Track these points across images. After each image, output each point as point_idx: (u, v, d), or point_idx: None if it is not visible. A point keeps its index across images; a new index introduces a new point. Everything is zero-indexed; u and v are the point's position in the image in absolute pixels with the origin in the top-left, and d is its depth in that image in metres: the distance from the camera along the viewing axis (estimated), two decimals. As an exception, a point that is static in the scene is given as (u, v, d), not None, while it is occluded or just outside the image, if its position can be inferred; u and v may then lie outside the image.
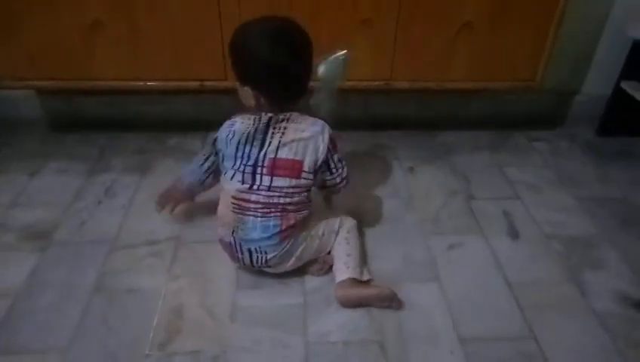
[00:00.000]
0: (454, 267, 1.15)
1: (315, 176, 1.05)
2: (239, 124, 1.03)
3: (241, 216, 1.02)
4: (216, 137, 1.07)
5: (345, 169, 1.11)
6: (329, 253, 1.12)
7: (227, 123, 1.06)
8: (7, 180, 1.38)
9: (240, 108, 1.05)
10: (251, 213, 1.01)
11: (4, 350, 0.94)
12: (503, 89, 1.56)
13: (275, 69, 0.96)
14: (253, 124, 1.02)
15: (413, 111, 1.68)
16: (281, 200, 1.01)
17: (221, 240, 1.09)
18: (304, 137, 1.02)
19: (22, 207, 1.29)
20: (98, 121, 1.62)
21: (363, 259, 1.12)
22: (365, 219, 1.26)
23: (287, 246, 1.04)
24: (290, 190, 1.02)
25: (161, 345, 0.95)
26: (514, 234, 1.25)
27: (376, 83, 1.44)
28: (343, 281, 1.04)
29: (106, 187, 1.37)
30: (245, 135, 1.02)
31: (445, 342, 0.98)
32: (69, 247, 1.17)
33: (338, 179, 1.11)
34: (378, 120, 1.67)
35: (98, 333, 0.97)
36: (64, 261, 1.13)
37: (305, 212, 1.05)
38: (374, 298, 1.03)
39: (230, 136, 1.03)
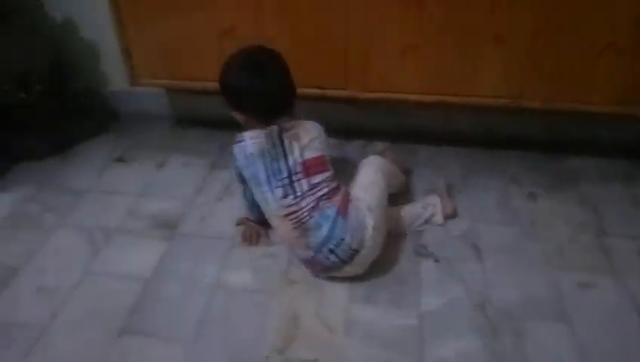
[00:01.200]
0: (585, 308, 1.06)
1: None
2: (251, 145, 1.07)
3: (302, 225, 1.05)
4: (238, 167, 1.11)
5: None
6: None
7: (238, 149, 1.10)
8: (138, 169, 1.49)
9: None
10: (307, 216, 1.05)
11: (137, 330, 1.01)
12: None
13: (248, 95, 1.07)
14: (267, 140, 1.06)
15: (537, 131, 1.57)
16: (324, 191, 1.07)
17: (307, 262, 1.11)
18: (315, 136, 1.10)
19: (151, 197, 1.38)
20: (219, 119, 1.69)
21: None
22: (483, 244, 1.21)
23: (353, 220, 1.06)
24: (326, 181, 1.08)
25: (280, 350, 0.96)
26: (654, 279, 1.13)
27: (503, 100, 1.36)
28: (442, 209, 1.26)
29: (225, 185, 1.42)
30: (266, 153, 1.06)
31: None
32: (192, 240, 1.23)
33: None
34: (495, 138, 1.59)
35: (219, 329, 1.01)
36: (188, 253, 1.19)
37: (335, 183, 1.11)
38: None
39: (250, 160, 1.07)
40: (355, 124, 1.37)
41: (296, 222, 1.06)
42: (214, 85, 1.44)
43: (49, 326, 1.01)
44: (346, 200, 1.08)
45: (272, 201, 1.07)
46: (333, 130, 1.24)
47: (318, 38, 1.33)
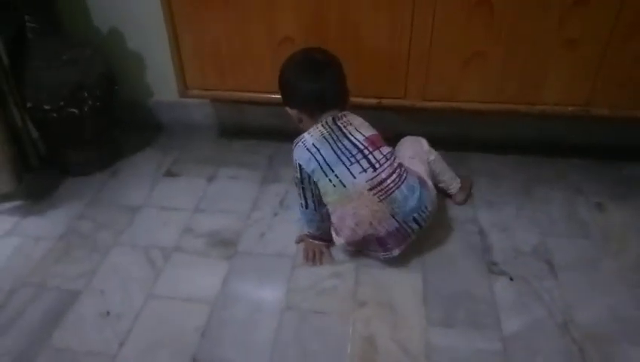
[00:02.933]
0: (676, 329, 1.00)
1: None
2: (310, 138, 1.09)
3: (389, 197, 1.07)
4: (299, 166, 1.10)
5: None
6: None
7: (298, 148, 1.11)
8: (188, 183, 1.45)
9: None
10: (394, 186, 1.08)
11: (210, 356, 0.97)
12: None
13: (304, 91, 1.11)
14: (324, 128, 1.10)
15: (598, 138, 1.51)
16: (397, 162, 1.11)
17: (381, 238, 1.10)
18: (362, 121, 1.14)
19: (205, 212, 1.34)
20: (265, 129, 1.66)
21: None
22: (556, 259, 1.16)
23: (431, 188, 1.15)
24: (392, 153, 1.13)
25: (363, 378, 0.92)
26: None
27: (571, 108, 1.31)
28: (460, 188, 1.33)
29: (280, 198, 1.38)
30: (328, 138, 1.09)
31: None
32: (254, 259, 1.19)
33: None
34: (556, 146, 1.53)
35: (295, 354, 0.97)
36: (251, 273, 1.15)
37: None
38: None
39: (314, 150, 1.08)
40: (408, 132, 1.33)
41: (383, 193, 1.07)
42: (268, 97, 1.42)
43: (118, 355, 0.98)
44: (412, 171, 1.15)
45: (350, 180, 1.07)
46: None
47: (380, 47, 1.28)
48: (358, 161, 1.07)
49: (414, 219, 1.10)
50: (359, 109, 1.55)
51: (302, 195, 1.15)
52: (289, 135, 1.56)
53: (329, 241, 1.19)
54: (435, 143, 1.31)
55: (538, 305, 1.06)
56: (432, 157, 1.27)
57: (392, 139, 1.27)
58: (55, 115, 1.32)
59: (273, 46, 1.32)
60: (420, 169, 1.19)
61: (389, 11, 1.23)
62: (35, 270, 1.17)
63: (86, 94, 1.34)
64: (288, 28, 1.29)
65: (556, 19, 1.18)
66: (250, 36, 1.32)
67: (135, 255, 1.20)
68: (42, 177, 1.45)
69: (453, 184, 1.33)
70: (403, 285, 1.11)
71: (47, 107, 1.31)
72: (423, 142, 1.29)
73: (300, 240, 1.24)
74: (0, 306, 1.07)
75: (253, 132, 1.66)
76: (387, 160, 1.09)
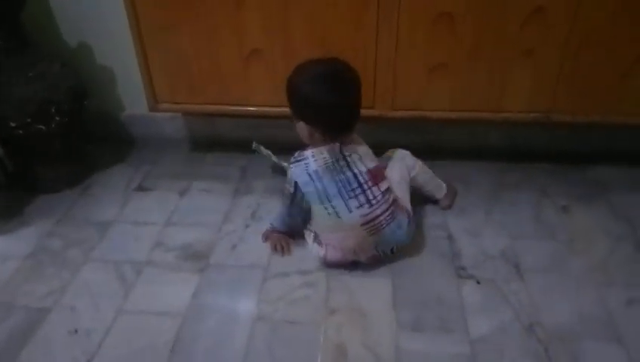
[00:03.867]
0: (636, 326, 1.03)
1: None
2: (313, 162, 1.08)
3: (378, 232, 1.11)
4: (296, 184, 1.10)
5: None
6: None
7: (298, 167, 1.09)
8: (160, 198, 1.45)
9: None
10: (385, 223, 1.11)
11: (179, 373, 0.96)
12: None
13: (326, 109, 1.05)
14: (330, 156, 1.07)
15: (562, 142, 1.56)
16: (392, 198, 1.13)
17: (354, 261, 1.16)
18: (366, 147, 1.13)
19: (177, 226, 1.34)
20: (237, 141, 1.66)
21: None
22: (524, 262, 1.18)
23: (413, 219, 1.18)
24: (388, 189, 1.13)
25: (333, 386, 0.93)
26: (703, 292, 1.11)
27: (533, 115, 1.35)
28: (445, 195, 1.36)
29: (252, 210, 1.39)
30: (330, 168, 1.07)
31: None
32: (225, 271, 1.19)
33: None
34: (521, 151, 1.57)
35: (266, 365, 0.97)
36: (223, 285, 1.15)
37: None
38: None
39: (315, 177, 1.07)
40: (379, 142, 1.35)
41: (373, 229, 1.10)
42: (239, 109, 1.43)
43: (87, 372, 0.97)
44: (405, 209, 1.17)
45: (345, 213, 1.08)
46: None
47: (347, 57, 1.30)
48: (356, 196, 1.08)
49: (391, 249, 1.17)
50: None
51: (287, 207, 1.17)
52: (264, 145, 1.55)
53: (292, 235, 1.25)
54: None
55: (505, 308, 1.08)
56: (413, 173, 1.28)
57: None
58: (21, 131, 1.31)
59: (243, 58, 1.33)
60: (407, 196, 1.22)
61: (354, 22, 1.25)
62: (2, 289, 1.15)
63: (53, 110, 1.33)
64: (256, 40, 1.30)
65: (515, 29, 1.22)
66: (219, 49, 1.33)
67: (106, 271, 1.19)
68: (9, 195, 1.43)
69: (439, 191, 1.36)
70: (373, 291, 1.12)
71: (13, 124, 1.30)
72: (407, 159, 1.29)
73: (266, 237, 1.27)
74: (-36, 328, 1.05)
75: (225, 144, 1.67)
76: (383, 196, 1.10)
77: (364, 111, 1.37)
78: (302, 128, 1.09)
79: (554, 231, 1.29)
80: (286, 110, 1.41)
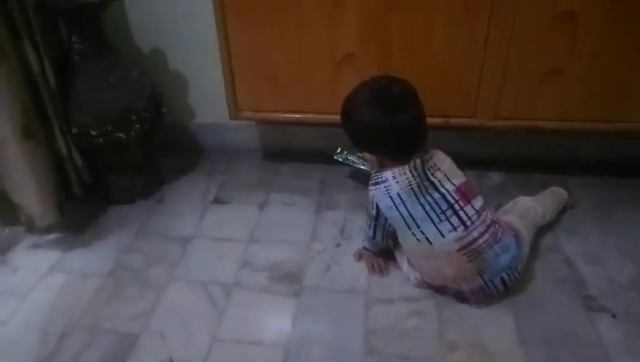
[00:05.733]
0: None
1: None
2: (395, 186, 0.97)
3: (479, 256, 0.97)
4: (377, 206, 1.02)
5: None
6: None
7: (378, 191, 1.00)
8: (239, 211, 1.36)
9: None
10: (486, 246, 0.97)
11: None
12: None
13: (385, 133, 0.97)
14: (413, 176, 0.97)
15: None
16: (490, 216, 1.01)
17: (462, 292, 1.02)
18: (450, 161, 1.02)
19: (262, 243, 1.24)
20: (312, 152, 1.57)
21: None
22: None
23: (524, 248, 1.04)
24: (483, 207, 1.01)
25: None
26: None
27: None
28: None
29: (339, 227, 1.28)
30: (416, 190, 0.97)
31: None
32: (323, 295, 1.09)
33: None
34: (630, 164, 1.42)
35: (387, 409, 0.86)
36: (322, 311, 1.05)
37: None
38: None
39: (398, 201, 0.97)
40: (457, 153, 1.23)
41: (473, 254, 0.97)
42: (326, 118, 1.33)
43: (188, 408, 0.87)
44: (509, 227, 1.04)
45: (437, 239, 0.97)
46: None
47: (450, 63, 1.19)
48: (448, 219, 0.96)
49: (502, 279, 1.01)
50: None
51: (371, 228, 1.08)
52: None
53: (388, 254, 1.15)
54: (492, 164, 1.21)
55: (653, 348, 0.94)
56: (547, 219, 1.19)
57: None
58: (102, 140, 1.24)
59: (334, 64, 1.24)
60: (524, 226, 1.09)
61: (463, 25, 1.14)
62: (86, 311, 1.07)
63: (134, 117, 1.26)
64: (350, 43, 1.20)
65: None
66: (309, 53, 1.23)
67: (193, 292, 1.10)
68: (84, 207, 1.36)
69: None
70: (493, 324, 1.00)
71: (93, 132, 1.23)
72: (531, 213, 1.15)
73: (359, 256, 1.17)
74: (52, 353, 0.97)
75: (300, 154, 1.57)
76: (479, 216, 0.98)
77: (462, 121, 1.28)
78: (369, 158, 1.03)
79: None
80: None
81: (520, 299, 1.05)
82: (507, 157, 1.46)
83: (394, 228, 1.04)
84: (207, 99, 1.51)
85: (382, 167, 1.01)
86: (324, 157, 1.54)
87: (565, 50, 1.13)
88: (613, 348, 0.94)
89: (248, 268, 1.17)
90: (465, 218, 0.97)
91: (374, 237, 1.09)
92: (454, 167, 1.02)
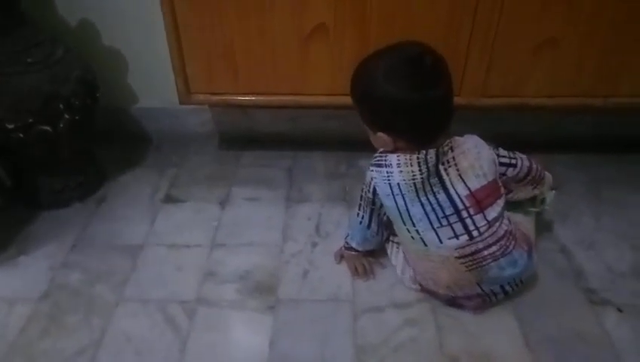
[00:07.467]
0: None
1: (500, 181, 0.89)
2: (398, 174, 0.83)
3: (480, 269, 0.86)
4: (374, 190, 0.88)
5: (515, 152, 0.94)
6: None
7: (379, 174, 0.86)
8: (197, 211, 1.18)
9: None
10: (491, 259, 0.86)
11: None
12: None
13: (413, 109, 0.79)
14: (420, 170, 0.82)
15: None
16: (504, 227, 0.87)
17: (457, 298, 0.91)
18: (474, 154, 0.85)
19: (226, 249, 1.08)
20: (275, 137, 1.40)
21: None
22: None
23: (534, 256, 0.92)
24: (502, 212, 0.87)
25: None
26: None
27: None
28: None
29: (314, 224, 1.14)
30: (418, 185, 0.83)
31: None
32: (302, 308, 0.94)
33: (525, 162, 0.93)
34: (618, 140, 1.36)
35: None
36: (304, 327, 0.91)
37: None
38: None
39: (397, 192, 0.84)
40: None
41: (474, 264, 0.86)
42: (295, 99, 1.16)
43: None
44: (525, 241, 0.91)
45: (434, 243, 0.85)
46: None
47: (434, 38, 1.04)
48: (450, 224, 0.83)
49: (502, 287, 0.91)
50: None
51: (366, 212, 0.93)
52: (308, 141, 1.30)
53: (371, 253, 1.02)
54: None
55: (662, 343, 0.88)
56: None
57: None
58: (21, 134, 1.02)
59: (301, 37, 1.06)
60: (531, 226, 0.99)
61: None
62: (14, 348, 0.87)
63: (61, 106, 1.04)
64: (320, 12, 1.04)
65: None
66: (271, 26, 1.05)
67: (148, 314, 0.93)
68: (6, 216, 1.13)
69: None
70: (495, 327, 0.90)
71: (10, 126, 1.00)
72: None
73: (340, 258, 1.04)
74: (-29, 410, 0.78)
75: (261, 140, 1.40)
76: (490, 227, 0.84)
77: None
78: (381, 139, 0.84)
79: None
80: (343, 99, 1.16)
81: (520, 299, 0.95)
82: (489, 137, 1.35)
83: (388, 219, 0.92)
84: (152, 79, 1.31)
85: (396, 150, 0.85)
86: (290, 143, 1.38)
87: (563, 16, 1.02)
88: (622, 346, 0.86)
89: (213, 279, 1.00)
90: (472, 227, 0.84)
91: (369, 226, 0.94)
92: (477, 165, 0.84)
